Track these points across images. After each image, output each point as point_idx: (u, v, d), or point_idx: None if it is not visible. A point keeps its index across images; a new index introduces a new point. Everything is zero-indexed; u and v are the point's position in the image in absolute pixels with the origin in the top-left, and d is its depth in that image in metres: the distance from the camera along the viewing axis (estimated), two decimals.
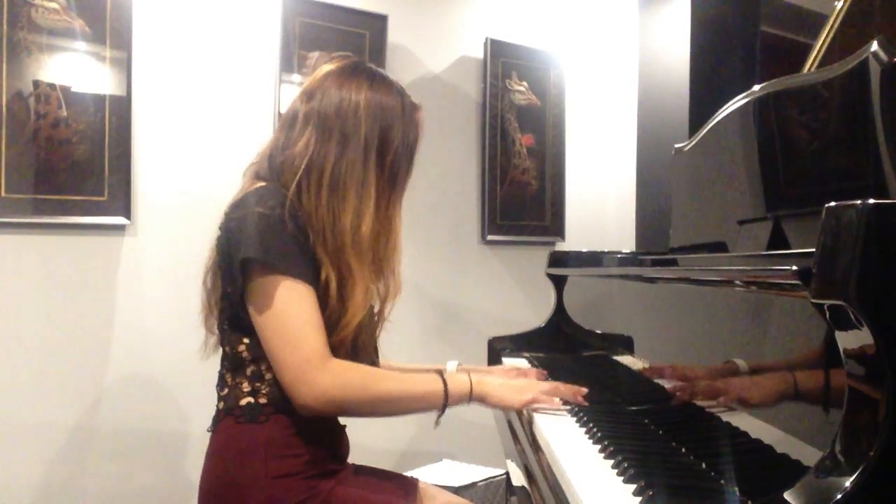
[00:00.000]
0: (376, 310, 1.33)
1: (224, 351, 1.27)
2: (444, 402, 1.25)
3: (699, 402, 1.09)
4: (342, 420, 1.33)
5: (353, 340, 1.25)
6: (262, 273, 1.17)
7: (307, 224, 1.22)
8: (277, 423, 1.20)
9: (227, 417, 1.22)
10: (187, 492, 2.19)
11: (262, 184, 1.25)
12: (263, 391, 1.21)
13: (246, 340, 1.23)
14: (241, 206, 1.21)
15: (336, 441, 1.31)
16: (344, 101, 1.27)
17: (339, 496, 1.21)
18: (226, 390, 1.25)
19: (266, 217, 1.17)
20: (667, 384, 1.25)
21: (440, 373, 1.30)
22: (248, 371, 1.22)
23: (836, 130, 1.13)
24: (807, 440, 0.78)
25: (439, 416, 1.29)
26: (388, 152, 1.29)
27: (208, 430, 1.28)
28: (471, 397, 1.29)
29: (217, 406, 1.27)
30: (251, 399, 1.21)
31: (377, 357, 1.37)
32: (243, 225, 1.18)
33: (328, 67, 1.32)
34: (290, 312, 1.16)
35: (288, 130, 1.29)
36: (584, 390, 1.37)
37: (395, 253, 1.31)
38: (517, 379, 1.46)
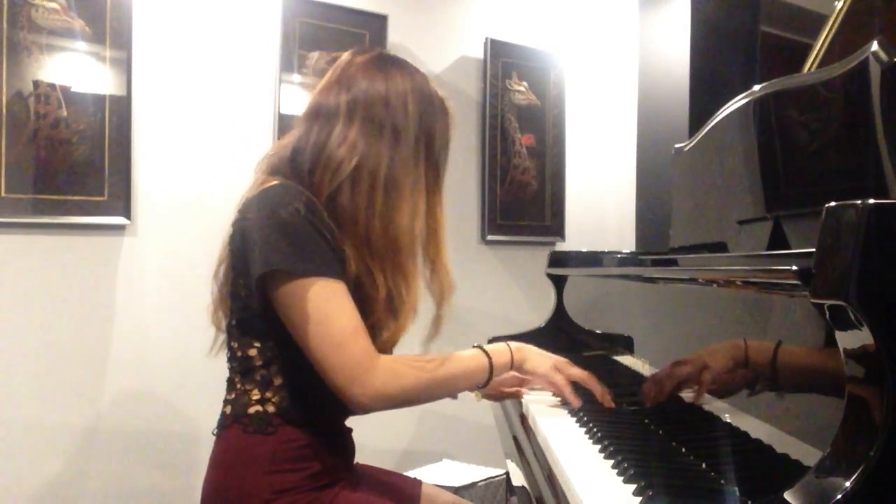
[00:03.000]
0: (433, 313, 1.28)
1: (232, 352, 1.22)
2: (490, 374, 1.27)
3: (697, 401, 1.09)
4: (348, 422, 1.31)
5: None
6: (292, 280, 1.10)
7: (346, 224, 1.16)
8: (285, 434, 1.16)
9: (235, 425, 1.18)
10: (187, 492, 2.19)
11: (278, 181, 1.17)
12: (273, 400, 1.17)
13: (257, 344, 1.18)
14: (260, 206, 1.14)
15: (343, 448, 1.29)
16: (391, 92, 1.20)
17: (342, 502, 1.19)
18: (234, 395, 1.20)
19: (288, 223, 1.10)
20: (667, 384, 1.25)
21: (481, 347, 1.29)
22: (258, 376, 1.18)
23: (836, 130, 1.13)
24: (807, 440, 0.78)
25: (480, 389, 1.31)
26: (434, 147, 1.24)
27: (213, 433, 1.24)
28: (512, 364, 1.31)
29: (224, 410, 1.22)
30: (259, 408, 1.17)
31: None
32: (263, 230, 1.12)
33: (361, 57, 1.24)
34: (331, 315, 1.11)
35: (325, 124, 1.19)
36: (609, 394, 1.36)
37: (444, 248, 1.27)
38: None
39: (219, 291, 1.26)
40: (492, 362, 1.26)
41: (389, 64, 1.24)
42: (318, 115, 1.21)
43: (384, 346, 1.20)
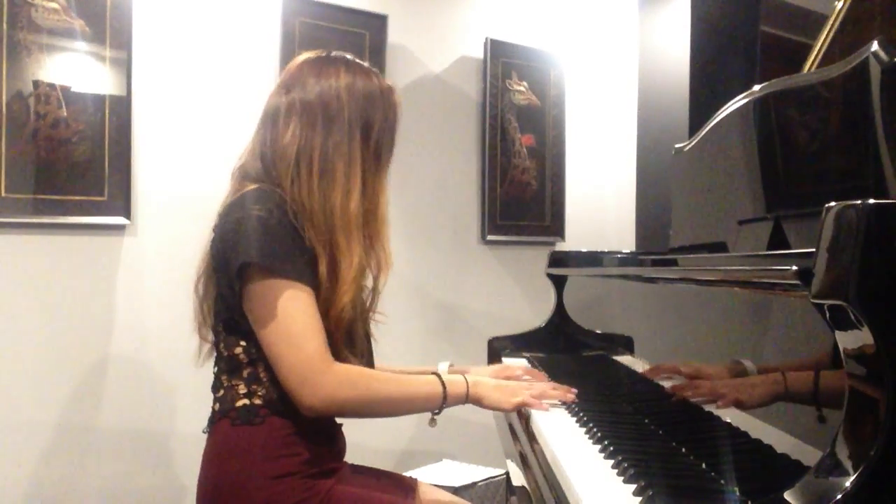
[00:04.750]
0: (370, 286, 1.34)
1: (219, 353, 1.27)
2: (443, 403, 1.29)
3: (699, 402, 1.09)
4: (338, 419, 1.34)
5: (347, 328, 1.26)
6: (262, 277, 1.18)
7: (301, 212, 1.23)
8: (273, 424, 1.20)
9: (223, 420, 1.23)
10: (186, 492, 2.19)
11: (256, 185, 1.25)
12: (259, 393, 1.22)
13: (243, 343, 1.23)
14: (238, 208, 1.21)
15: (332, 440, 1.32)
16: (324, 87, 1.28)
17: (338, 494, 1.22)
18: (221, 392, 1.25)
19: (264, 220, 1.18)
20: (667, 383, 1.25)
21: (438, 375, 1.32)
22: (245, 373, 1.23)
23: (837, 130, 1.13)
24: (807, 440, 0.78)
25: (435, 415, 1.33)
26: (372, 131, 1.31)
27: (203, 432, 1.29)
28: (467, 398, 1.32)
29: (213, 407, 1.27)
30: (247, 401, 1.22)
31: (370, 344, 1.37)
32: (241, 228, 1.18)
33: (302, 59, 1.34)
34: (291, 315, 1.17)
35: (272, 125, 1.29)
36: (574, 390, 1.39)
37: (383, 227, 1.33)
38: (507, 380, 1.46)
39: (200, 305, 1.32)
40: (446, 392, 1.28)
41: (328, 62, 1.32)
42: (268, 117, 1.31)
43: (333, 330, 1.24)
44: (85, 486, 2.09)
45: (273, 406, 1.21)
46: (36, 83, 2.00)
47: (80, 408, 2.10)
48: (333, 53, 1.35)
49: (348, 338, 1.27)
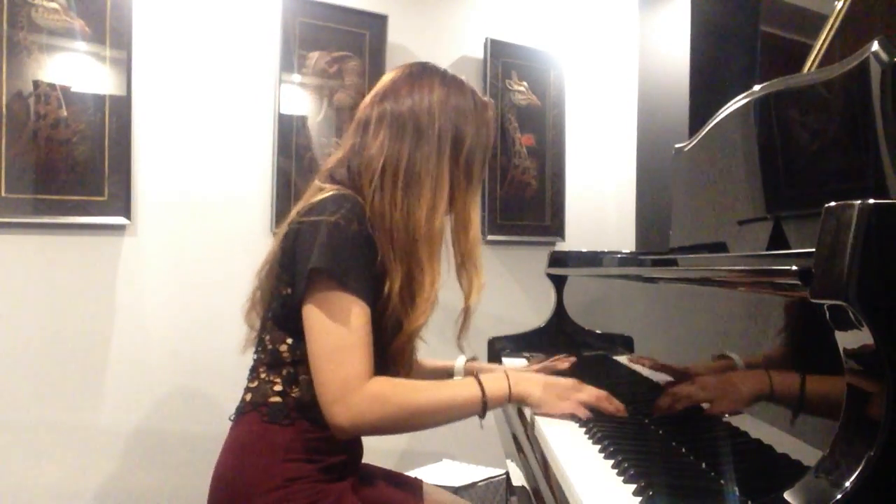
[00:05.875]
0: (462, 305, 1.30)
1: (263, 344, 1.26)
2: (484, 408, 1.22)
3: (699, 402, 1.09)
4: None
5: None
6: (327, 284, 1.15)
7: (379, 221, 1.21)
8: (301, 427, 1.20)
9: (253, 412, 1.22)
10: (188, 492, 2.19)
11: (339, 189, 1.23)
12: (293, 395, 1.21)
13: (289, 341, 1.22)
14: (318, 210, 1.19)
15: (353, 448, 1.31)
16: (417, 99, 1.27)
17: (350, 500, 1.21)
18: (256, 383, 1.24)
19: (340, 227, 1.15)
20: (666, 381, 1.25)
21: (477, 376, 1.24)
22: (285, 371, 1.22)
23: (837, 130, 1.13)
24: (807, 440, 0.78)
25: (482, 418, 1.25)
26: (463, 147, 1.28)
27: (230, 419, 1.28)
28: (510, 398, 1.25)
29: (244, 397, 1.26)
30: (279, 399, 1.21)
31: (415, 357, 1.35)
32: (317, 231, 1.16)
33: (397, 71, 1.33)
34: (341, 330, 1.15)
35: (362, 134, 1.28)
36: (625, 410, 1.28)
37: (475, 246, 1.30)
38: (554, 377, 1.35)
39: (259, 290, 1.31)
40: (485, 396, 1.21)
41: (423, 75, 1.31)
42: (359, 126, 1.30)
43: (403, 340, 1.23)
44: (85, 486, 2.09)
45: (304, 410, 1.20)
46: (36, 83, 2.00)
47: (80, 408, 2.10)
48: (428, 65, 1.34)
49: (400, 353, 1.25)
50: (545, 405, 1.26)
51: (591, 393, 1.29)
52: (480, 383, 1.22)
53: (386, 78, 1.33)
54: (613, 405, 1.28)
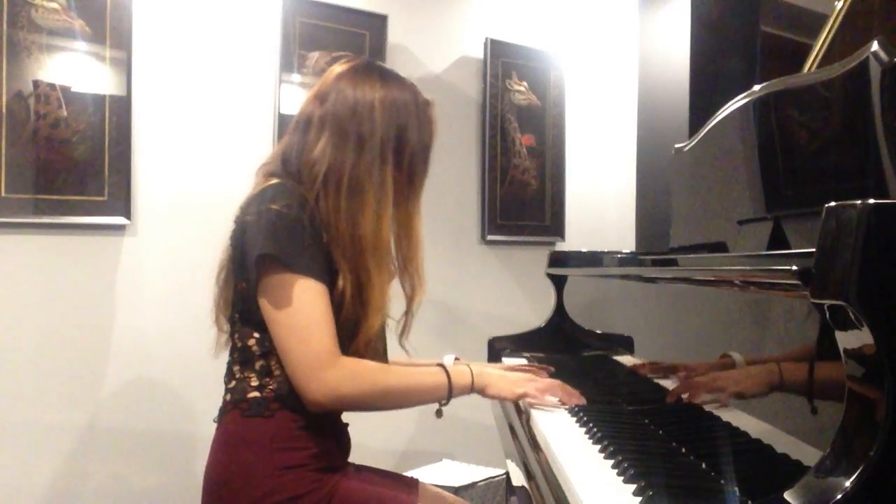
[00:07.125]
0: (404, 309, 1.35)
1: (234, 344, 1.28)
2: (449, 393, 1.29)
3: (699, 402, 1.09)
4: (344, 418, 1.35)
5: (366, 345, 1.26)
6: (277, 270, 1.18)
7: (325, 226, 1.23)
8: (283, 418, 1.21)
9: (234, 410, 1.24)
10: (188, 492, 2.19)
11: (278, 180, 1.25)
12: (271, 386, 1.22)
13: (256, 335, 1.24)
14: (259, 201, 1.21)
15: (339, 438, 1.33)
16: (359, 101, 1.27)
17: (344, 488, 1.23)
18: (233, 383, 1.26)
19: (282, 215, 1.18)
20: (667, 382, 1.25)
21: (443, 366, 1.32)
22: (258, 365, 1.24)
23: (837, 130, 1.13)
24: (807, 440, 0.78)
25: (442, 405, 1.33)
26: (405, 152, 1.30)
27: (214, 421, 1.30)
28: (472, 388, 1.32)
29: (224, 398, 1.28)
30: (258, 393, 1.22)
31: (386, 357, 1.38)
32: (260, 221, 1.19)
33: (340, 69, 1.32)
34: (302, 310, 1.17)
35: (302, 134, 1.29)
36: (583, 399, 1.37)
37: (417, 251, 1.34)
38: (513, 372, 1.46)
39: (219, 295, 1.33)
40: (451, 382, 1.28)
41: (365, 73, 1.31)
42: (299, 125, 1.31)
43: (360, 345, 1.25)
44: (85, 486, 2.09)
45: (283, 400, 1.22)
46: (36, 83, 2.00)
47: (80, 407, 2.10)
48: (371, 63, 1.35)
49: (367, 355, 1.27)
50: (502, 391, 1.34)
51: (545, 382, 1.39)
52: (447, 371, 1.30)
53: (330, 76, 1.32)
54: (567, 392, 1.37)
